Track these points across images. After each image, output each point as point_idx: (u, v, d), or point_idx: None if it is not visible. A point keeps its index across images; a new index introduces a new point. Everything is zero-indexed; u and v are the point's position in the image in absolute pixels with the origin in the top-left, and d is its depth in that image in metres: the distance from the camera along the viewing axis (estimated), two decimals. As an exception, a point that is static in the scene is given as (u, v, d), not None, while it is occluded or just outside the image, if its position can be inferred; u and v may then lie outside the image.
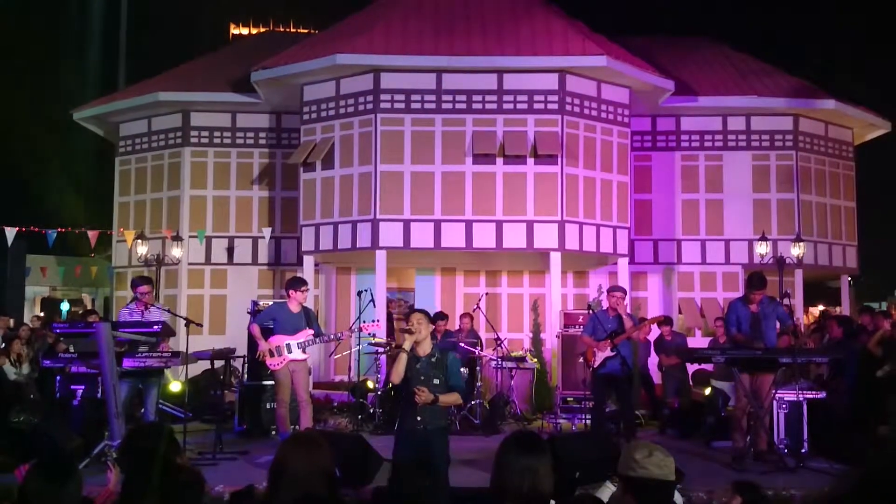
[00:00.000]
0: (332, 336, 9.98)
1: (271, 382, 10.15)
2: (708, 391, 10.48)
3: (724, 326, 9.61)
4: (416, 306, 15.85)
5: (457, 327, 12.43)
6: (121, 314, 9.10)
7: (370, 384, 11.67)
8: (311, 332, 9.07)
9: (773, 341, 8.90)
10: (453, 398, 6.00)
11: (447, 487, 5.72)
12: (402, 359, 5.76)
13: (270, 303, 11.40)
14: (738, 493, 4.51)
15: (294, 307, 9.09)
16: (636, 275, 15.65)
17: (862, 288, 26.44)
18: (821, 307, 23.28)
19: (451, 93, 13.78)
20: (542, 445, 3.29)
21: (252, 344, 10.94)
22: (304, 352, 9.02)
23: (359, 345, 11.34)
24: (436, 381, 5.77)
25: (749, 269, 15.74)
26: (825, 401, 9.01)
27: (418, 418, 5.74)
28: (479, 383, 11.57)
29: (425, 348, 5.89)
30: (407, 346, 5.77)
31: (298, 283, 9.26)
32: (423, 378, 5.76)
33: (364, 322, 10.04)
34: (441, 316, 11.85)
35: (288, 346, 8.94)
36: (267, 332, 9.15)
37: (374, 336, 11.45)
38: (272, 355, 8.94)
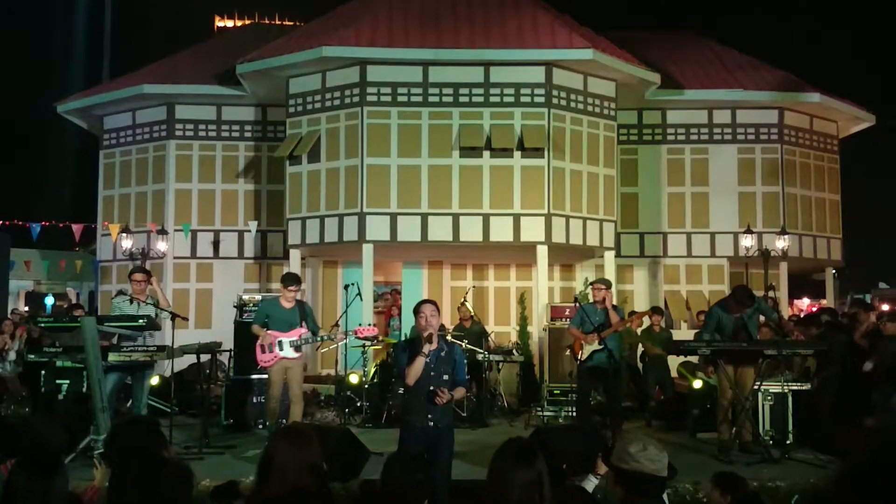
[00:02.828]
0: (325, 337, 9.48)
1: (258, 377, 10.09)
2: (698, 384, 10.51)
3: (702, 331, 9.59)
4: (403, 300, 15.91)
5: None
6: (120, 303, 8.99)
7: (355, 378, 11.62)
8: (305, 330, 8.62)
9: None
10: (461, 393, 6.05)
11: (450, 481, 5.73)
12: (420, 362, 5.60)
13: (257, 297, 11.33)
14: (723, 488, 4.46)
15: (287, 303, 8.69)
16: (622, 268, 15.69)
17: (846, 280, 26.61)
18: (806, 300, 23.45)
19: (438, 86, 13.76)
20: (538, 454, 3.26)
21: (238, 338, 10.91)
22: (296, 350, 8.57)
23: (346, 339, 11.27)
24: (445, 377, 5.68)
25: (734, 261, 15.89)
26: (810, 392, 9.07)
27: (429, 415, 5.64)
28: (466, 376, 11.54)
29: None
30: (426, 350, 5.61)
31: (285, 281, 8.84)
32: (433, 374, 5.66)
33: (360, 326, 9.78)
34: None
35: (280, 343, 8.50)
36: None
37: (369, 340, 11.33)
38: (264, 351, 8.54)
